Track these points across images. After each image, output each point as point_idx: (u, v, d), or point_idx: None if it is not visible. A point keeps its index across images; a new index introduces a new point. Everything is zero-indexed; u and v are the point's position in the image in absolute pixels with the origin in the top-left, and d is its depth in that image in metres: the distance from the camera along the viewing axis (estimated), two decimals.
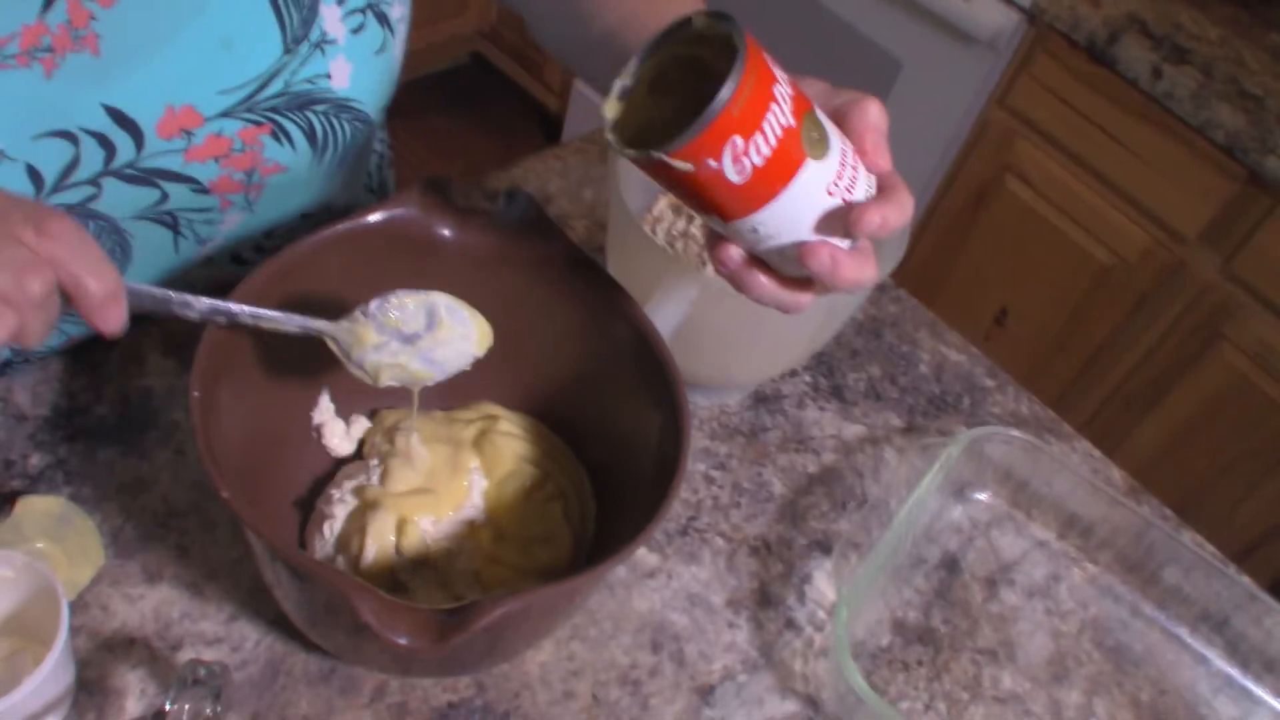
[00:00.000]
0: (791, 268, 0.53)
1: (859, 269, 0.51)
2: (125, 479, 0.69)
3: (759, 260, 0.53)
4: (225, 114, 0.64)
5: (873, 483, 0.83)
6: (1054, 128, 1.60)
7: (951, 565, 0.80)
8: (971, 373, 0.94)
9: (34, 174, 0.59)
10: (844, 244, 0.51)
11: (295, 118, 0.67)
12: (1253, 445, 1.56)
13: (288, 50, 0.64)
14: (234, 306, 0.55)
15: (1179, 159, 1.48)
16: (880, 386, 0.91)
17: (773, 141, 0.46)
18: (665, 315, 0.69)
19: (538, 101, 2.60)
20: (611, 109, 0.49)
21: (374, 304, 0.57)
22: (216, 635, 0.63)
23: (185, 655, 0.62)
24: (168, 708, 0.50)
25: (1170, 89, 1.44)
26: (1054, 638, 0.77)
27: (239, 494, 0.51)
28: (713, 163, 0.46)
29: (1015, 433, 0.79)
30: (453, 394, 0.72)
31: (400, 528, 0.62)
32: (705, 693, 0.68)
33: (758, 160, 0.46)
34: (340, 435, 0.69)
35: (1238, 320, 1.50)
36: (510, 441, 0.68)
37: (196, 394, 0.53)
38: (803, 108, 0.48)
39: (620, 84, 0.49)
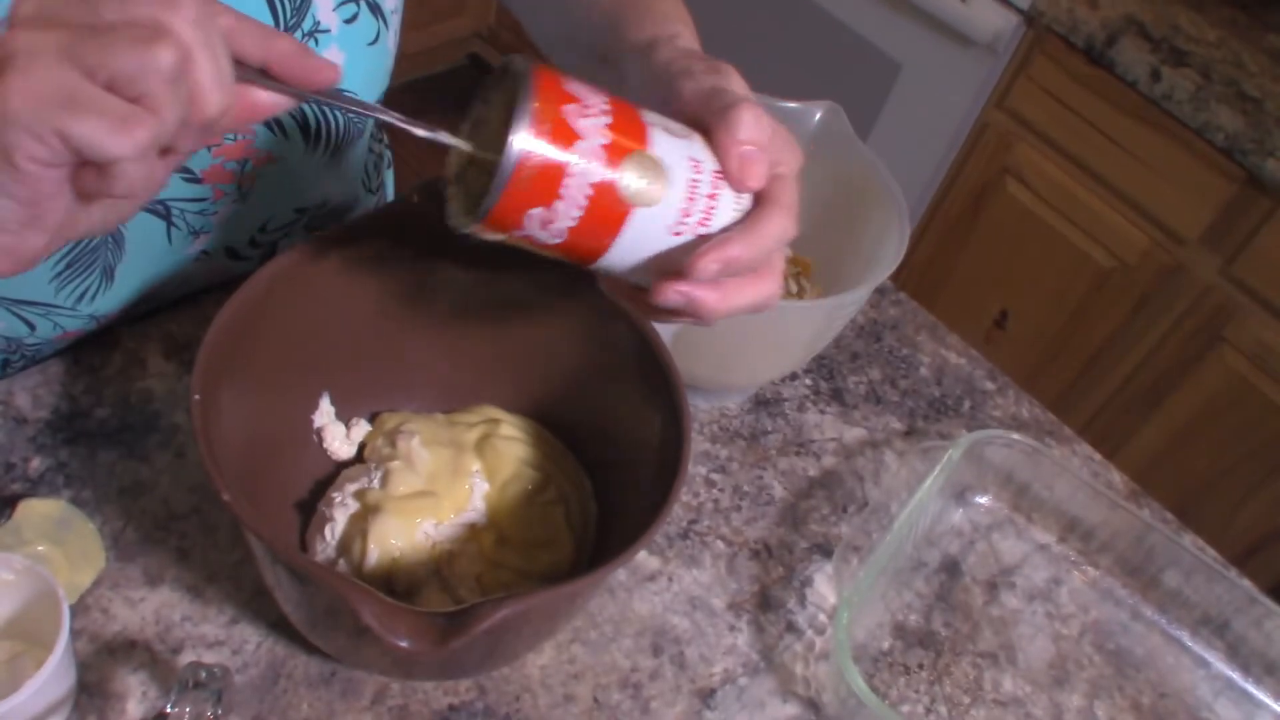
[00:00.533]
0: None
1: (731, 297, 0.48)
2: (126, 482, 0.69)
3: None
4: None
5: (873, 486, 0.83)
6: (1053, 130, 1.61)
7: (952, 568, 0.80)
8: (972, 376, 0.94)
9: None
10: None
11: None
12: (1253, 447, 1.56)
13: None
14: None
15: (1178, 161, 1.49)
16: (881, 390, 0.91)
17: (581, 202, 0.44)
18: None
19: None
20: (452, 162, 0.47)
21: None
22: (217, 638, 0.63)
23: (186, 658, 0.62)
24: (169, 710, 0.50)
25: (1169, 91, 1.44)
26: (1055, 641, 0.77)
27: (240, 497, 0.51)
28: (521, 231, 0.44)
29: (1016, 436, 0.79)
30: (454, 397, 0.72)
31: (401, 531, 0.62)
32: (706, 696, 0.68)
33: (569, 223, 0.44)
34: (340, 439, 0.69)
35: (1238, 322, 1.51)
36: (512, 445, 0.68)
37: (197, 397, 0.53)
38: (624, 152, 0.44)
39: (449, 136, 0.46)
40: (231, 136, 0.65)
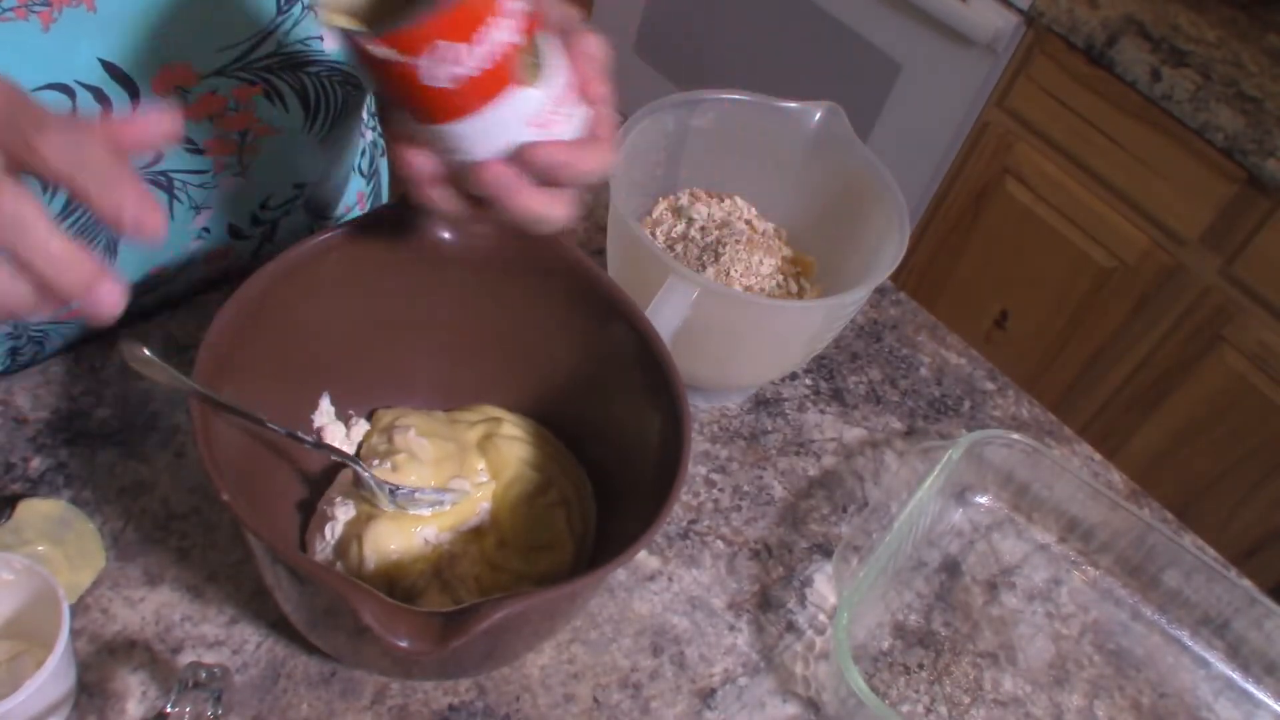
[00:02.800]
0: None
1: (541, 203, 0.50)
2: (126, 482, 0.69)
3: (450, 177, 0.52)
4: (219, 72, 0.64)
5: (873, 486, 0.83)
6: (1053, 130, 1.61)
7: (952, 568, 0.80)
8: (972, 376, 0.94)
9: None
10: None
11: (289, 78, 0.68)
12: (1253, 447, 1.56)
13: (280, 10, 0.65)
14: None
15: (1178, 161, 1.49)
16: (881, 390, 0.91)
17: (485, 56, 0.44)
18: (665, 318, 0.69)
19: None
20: None
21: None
22: (217, 638, 0.63)
23: (186, 658, 0.62)
24: (169, 710, 0.50)
25: (1169, 91, 1.44)
26: (1055, 641, 0.77)
27: (239, 497, 0.51)
28: (412, 59, 0.44)
29: (1016, 436, 0.79)
30: (454, 397, 0.72)
31: (398, 536, 0.62)
32: (706, 695, 0.68)
33: (463, 71, 0.44)
34: (340, 438, 0.69)
35: (1238, 322, 1.51)
36: (514, 445, 0.68)
37: (194, 383, 0.53)
38: (533, 29, 0.46)
39: None
40: (233, 106, 0.66)
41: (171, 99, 0.64)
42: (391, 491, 0.62)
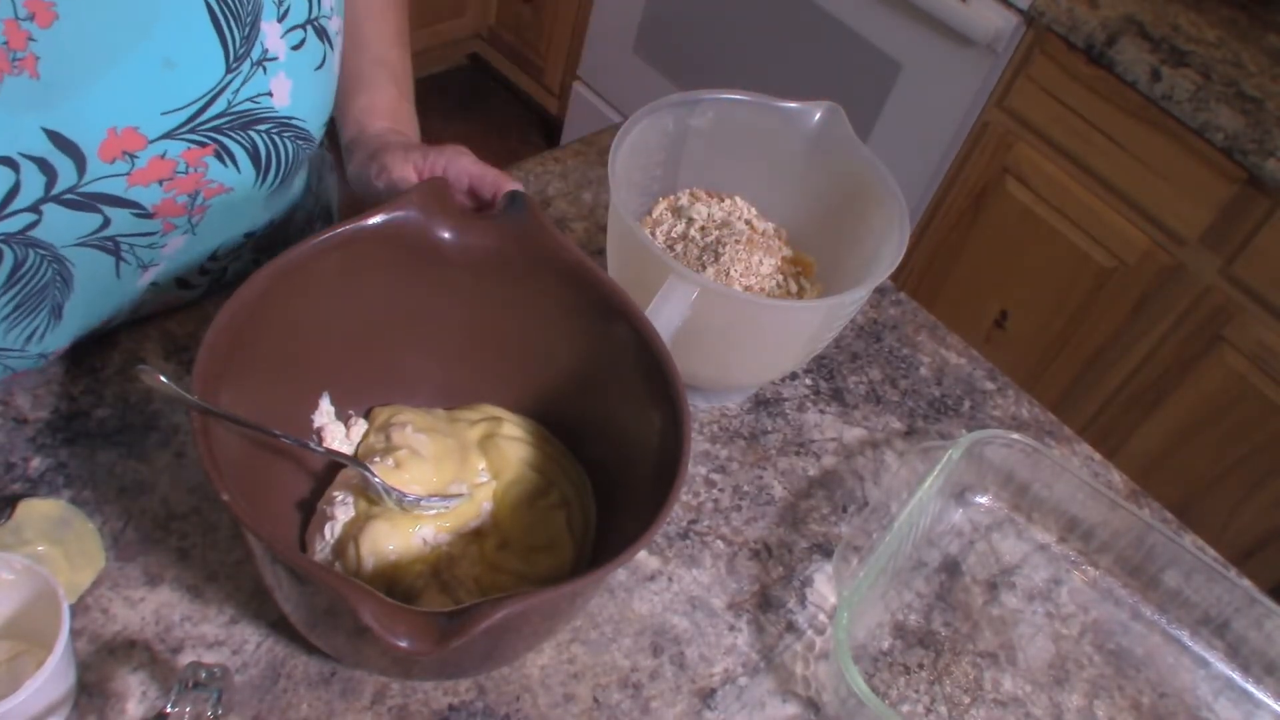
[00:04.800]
0: None
1: None
2: (126, 482, 0.69)
3: None
4: (168, 135, 0.62)
5: (873, 486, 0.83)
6: (1053, 130, 1.60)
7: (952, 568, 0.80)
8: (972, 376, 0.94)
9: None
10: None
11: (239, 137, 0.66)
12: (1253, 447, 1.56)
13: (230, 69, 0.63)
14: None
15: (1178, 161, 1.49)
16: (881, 389, 0.91)
17: None
18: (665, 318, 0.69)
19: (537, 103, 2.60)
20: None
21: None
22: (217, 638, 0.63)
23: (186, 658, 0.62)
24: (169, 710, 0.50)
25: (1169, 91, 1.44)
26: (1055, 641, 0.77)
27: (239, 497, 0.51)
28: None
29: (1016, 436, 0.79)
30: (454, 396, 0.72)
31: (395, 536, 0.62)
32: (706, 695, 0.68)
33: None
34: (340, 438, 0.69)
35: (1238, 322, 1.51)
36: (515, 446, 0.68)
37: (195, 397, 0.53)
38: None
39: None
40: (183, 169, 0.64)
41: (119, 165, 0.61)
42: (400, 499, 0.63)
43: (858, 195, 0.83)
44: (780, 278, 0.84)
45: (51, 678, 0.53)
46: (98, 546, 0.65)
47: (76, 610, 0.62)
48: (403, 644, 0.47)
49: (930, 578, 0.79)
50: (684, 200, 0.88)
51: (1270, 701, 0.77)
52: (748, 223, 0.88)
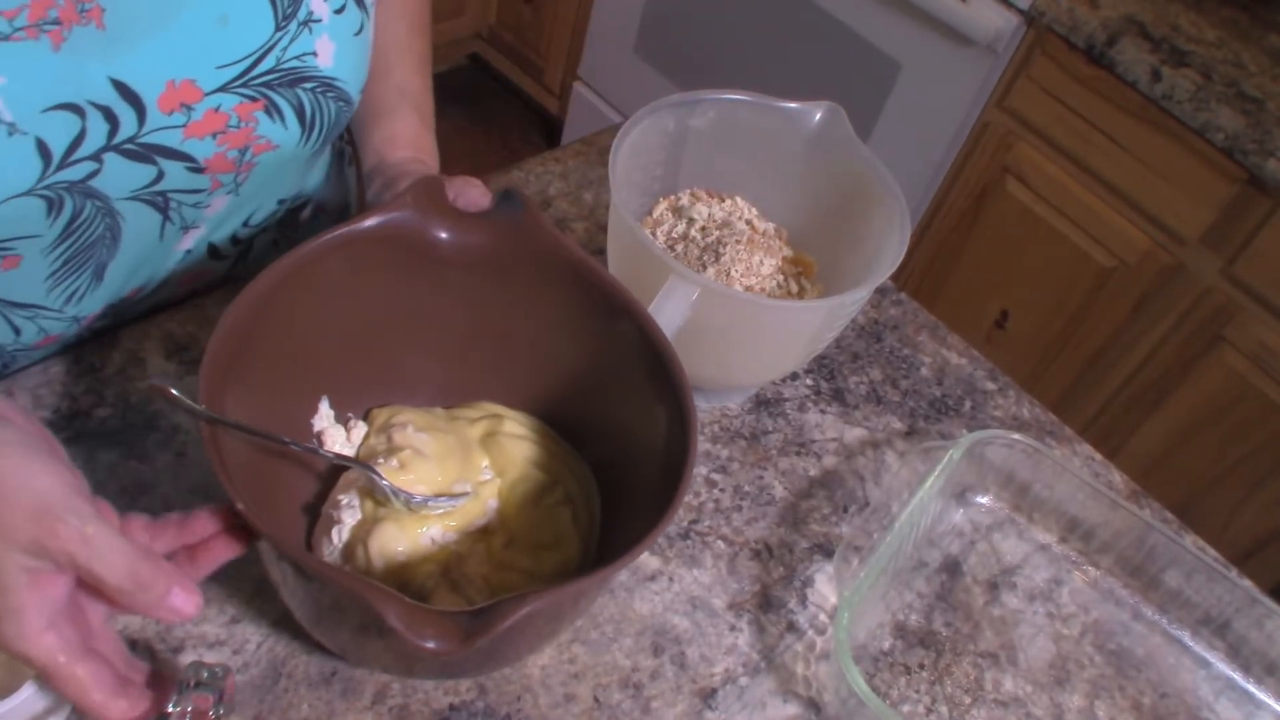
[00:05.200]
0: None
1: None
2: (126, 482, 0.69)
3: None
4: (222, 88, 0.66)
5: (874, 486, 0.83)
6: (1053, 130, 1.61)
7: (953, 568, 0.80)
8: (973, 376, 0.94)
9: (43, 148, 0.60)
10: None
11: (287, 94, 0.69)
12: (1253, 447, 1.56)
13: (279, 27, 0.67)
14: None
15: (1178, 161, 1.49)
16: (881, 390, 0.91)
17: None
18: (665, 318, 0.69)
19: (537, 103, 2.60)
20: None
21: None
22: (218, 638, 0.63)
23: (187, 658, 0.62)
24: (170, 710, 0.50)
25: (1169, 91, 1.44)
26: (1055, 641, 0.77)
27: (251, 504, 0.51)
28: None
29: (1016, 436, 0.79)
30: (453, 396, 0.72)
31: (404, 538, 0.62)
32: (707, 695, 0.68)
33: None
34: (341, 442, 0.69)
35: (1238, 323, 1.51)
36: (518, 444, 0.68)
37: (204, 407, 0.53)
38: None
39: None
40: (235, 123, 0.67)
41: (176, 117, 0.65)
42: (407, 500, 0.63)
43: (858, 195, 0.83)
44: (781, 278, 0.84)
45: None
46: None
47: None
48: (429, 645, 0.47)
49: (931, 578, 0.79)
50: (684, 200, 0.88)
51: (1271, 702, 0.77)
52: (748, 223, 0.88)
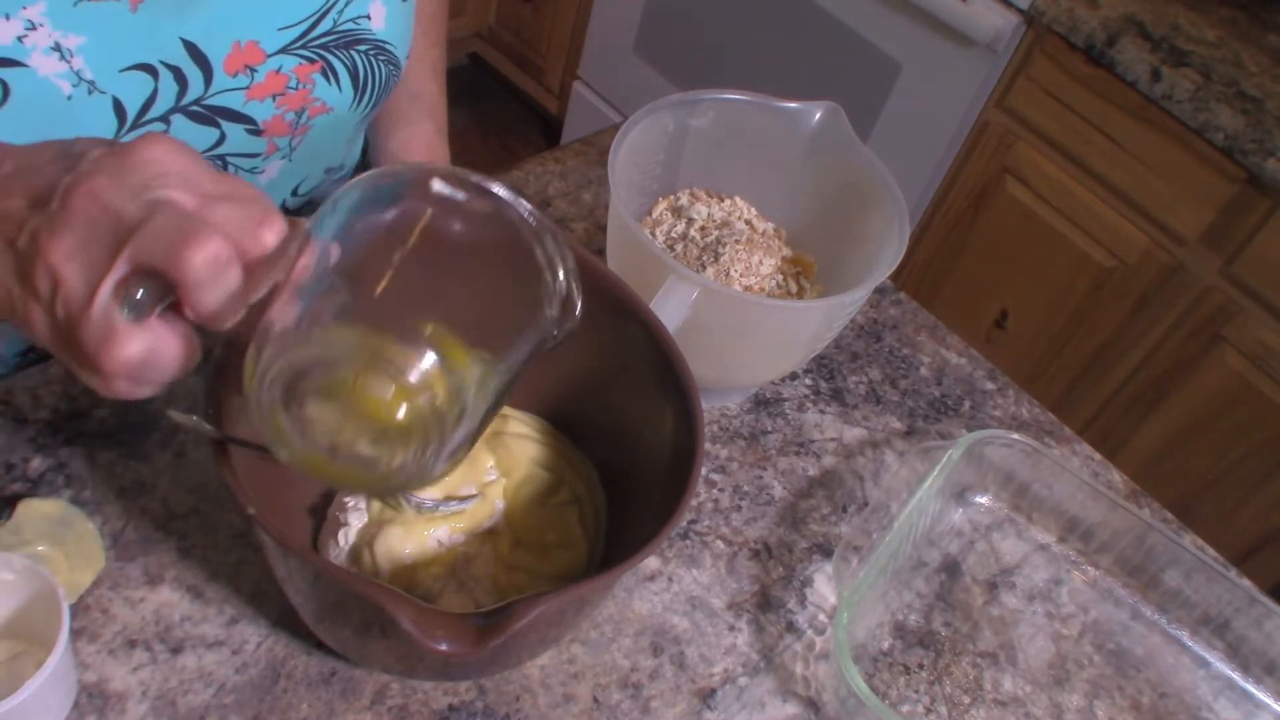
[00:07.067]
0: None
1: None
2: (126, 482, 0.69)
3: None
4: (284, 50, 0.68)
5: (873, 486, 0.83)
6: (1053, 130, 1.61)
7: (952, 568, 0.80)
8: (972, 376, 0.94)
9: (118, 108, 0.61)
10: None
11: (342, 56, 0.71)
12: (1253, 447, 1.56)
13: None
14: None
15: (1178, 161, 1.49)
16: (881, 390, 0.91)
17: None
18: (665, 318, 0.69)
19: (537, 103, 2.60)
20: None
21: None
22: (217, 638, 0.63)
23: (186, 658, 0.62)
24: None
25: (1169, 91, 1.44)
26: (1055, 641, 0.77)
27: (264, 510, 0.50)
28: None
29: (1016, 436, 0.79)
30: None
31: (410, 540, 0.62)
32: (706, 695, 0.68)
33: None
34: None
35: (1238, 322, 1.51)
36: (524, 444, 0.68)
37: (211, 412, 0.53)
38: None
39: None
40: (294, 84, 0.69)
41: (240, 79, 0.66)
42: (418, 504, 0.63)
43: (858, 195, 0.83)
44: (780, 278, 0.84)
45: (51, 678, 0.53)
46: (98, 546, 0.65)
47: (76, 610, 0.62)
48: (442, 647, 0.46)
49: (930, 578, 0.79)
50: (684, 200, 0.88)
51: (1270, 702, 0.77)
52: (748, 223, 0.88)
